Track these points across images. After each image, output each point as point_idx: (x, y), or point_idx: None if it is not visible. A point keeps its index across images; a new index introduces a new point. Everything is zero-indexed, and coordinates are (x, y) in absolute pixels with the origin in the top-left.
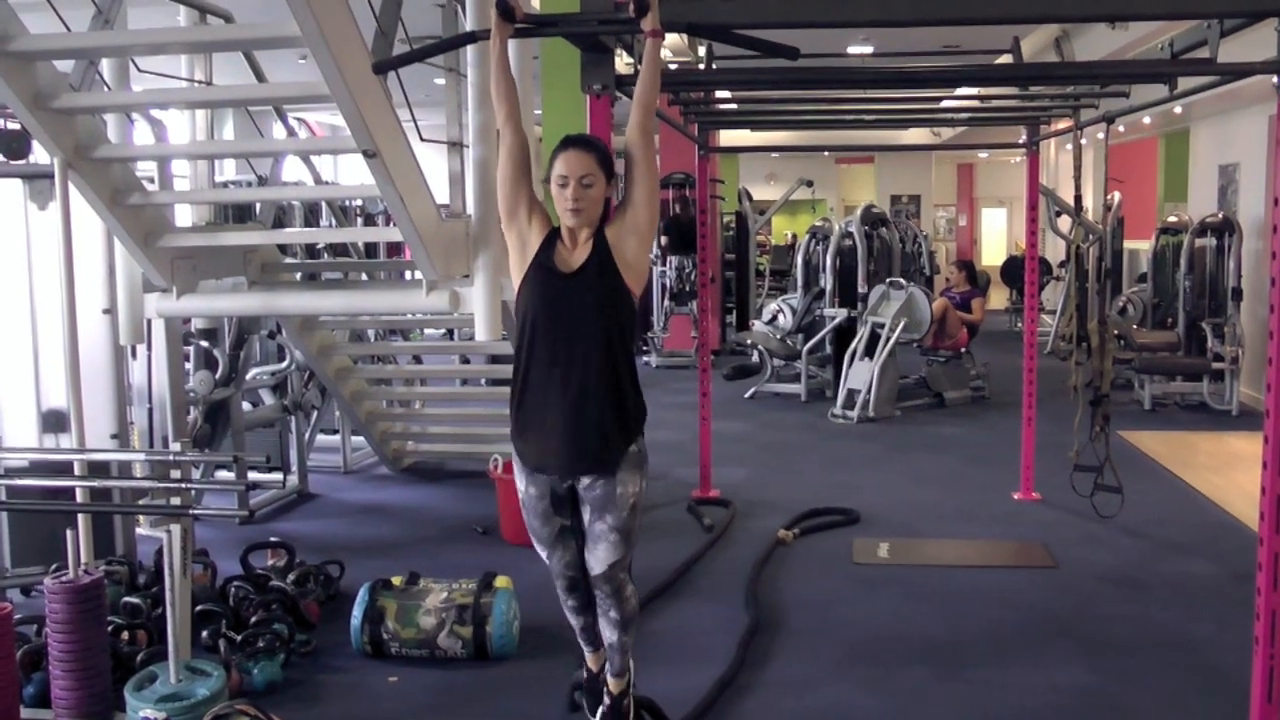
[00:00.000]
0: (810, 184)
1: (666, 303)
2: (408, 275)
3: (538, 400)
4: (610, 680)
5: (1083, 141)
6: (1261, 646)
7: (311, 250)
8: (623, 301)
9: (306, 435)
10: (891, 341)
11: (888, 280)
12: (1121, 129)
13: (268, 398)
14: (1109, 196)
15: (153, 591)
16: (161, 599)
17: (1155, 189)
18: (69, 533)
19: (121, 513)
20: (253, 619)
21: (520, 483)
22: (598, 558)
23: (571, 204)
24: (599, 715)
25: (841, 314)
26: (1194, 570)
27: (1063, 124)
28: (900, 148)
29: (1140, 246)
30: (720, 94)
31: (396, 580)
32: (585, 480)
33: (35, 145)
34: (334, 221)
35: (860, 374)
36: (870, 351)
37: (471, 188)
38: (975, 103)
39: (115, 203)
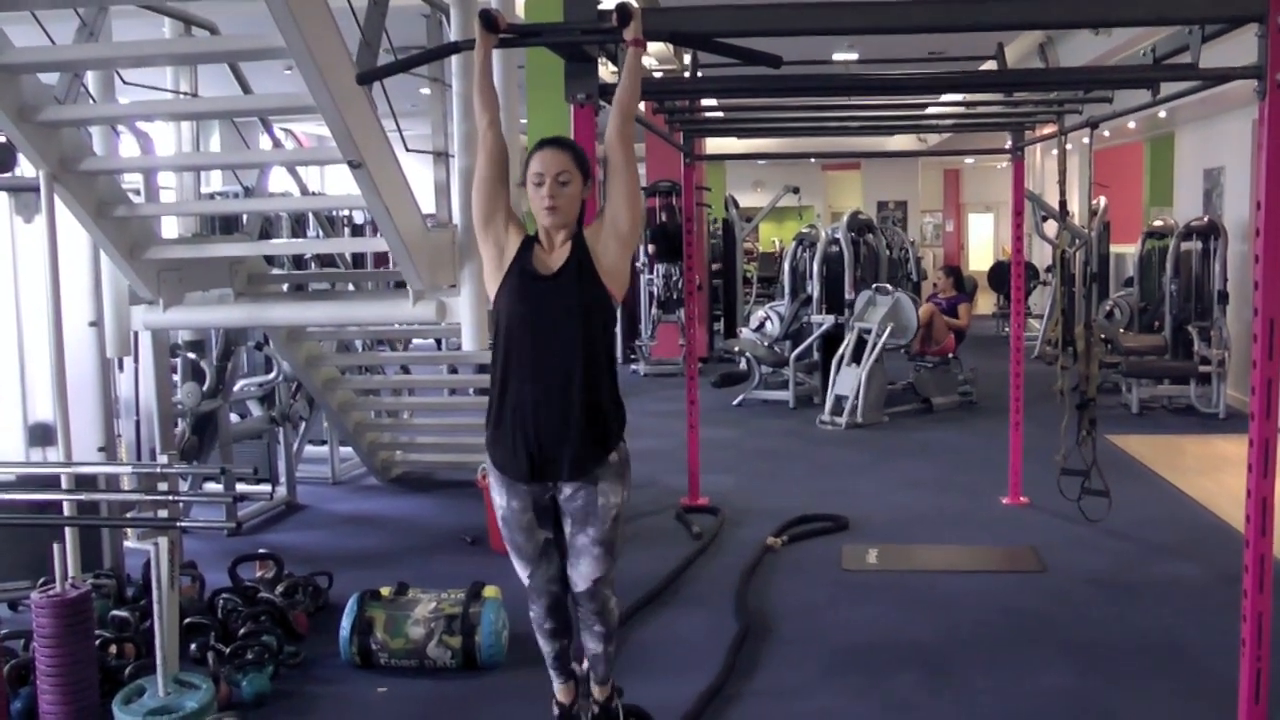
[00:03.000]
0: (797, 191)
1: (654, 310)
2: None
3: (516, 409)
4: (595, 689)
5: (1068, 147)
6: (1249, 649)
7: (298, 261)
8: (602, 305)
9: (294, 446)
10: (879, 347)
11: (874, 286)
12: (1106, 134)
13: (255, 409)
14: (1094, 201)
15: (141, 604)
16: (149, 612)
17: (1141, 193)
18: (56, 546)
19: (109, 526)
20: (241, 631)
21: (500, 498)
22: (581, 573)
23: (548, 201)
24: None
25: (829, 321)
26: (1182, 573)
27: (1047, 129)
28: (886, 154)
29: (1126, 251)
30: (706, 102)
31: (385, 591)
32: (566, 490)
33: (20, 158)
34: (321, 232)
35: (848, 380)
36: (857, 357)
37: (457, 198)
38: (960, 109)
39: (101, 215)
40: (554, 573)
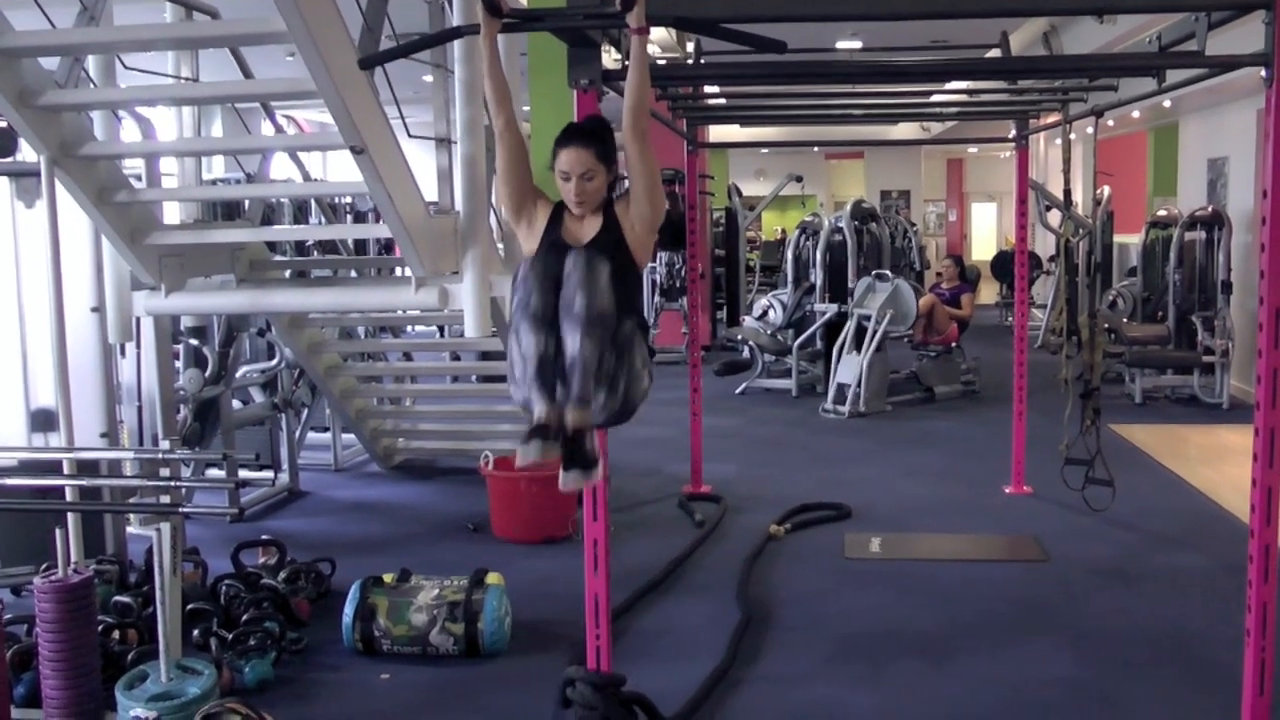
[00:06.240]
0: (800, 179)
1: (657, 299)
2: (398, 272)
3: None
4: (570, 411)
5: (1071, 136)
6: (1253, 639)
7: (300, 247)
8: (631, 272)
9: (297, 433)
10: (879, 334)
11: (874, 273)
12: (1110, 123)
13: (258, 395)
14: (1098, 191)
15: (143, 590)
16: (152, 598)
17: (1144, 183)
18: (58, 532)
19: (111, 511)
20: (244, 617)
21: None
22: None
23: (576, 197)
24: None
25: (832, 309)
26: (1185, 563)
27: (1051, 118)
28: (890, 143)
29: (1130, 240)
30: (709, 89)
31: (388, 577)
32: None
33: (21, 143)
34: (323, 218)
35: (849, 367)
36: (858, 344)
37: (459, 184)
38: (964, 97)
39: (102, 200)
40: (553, 341)
